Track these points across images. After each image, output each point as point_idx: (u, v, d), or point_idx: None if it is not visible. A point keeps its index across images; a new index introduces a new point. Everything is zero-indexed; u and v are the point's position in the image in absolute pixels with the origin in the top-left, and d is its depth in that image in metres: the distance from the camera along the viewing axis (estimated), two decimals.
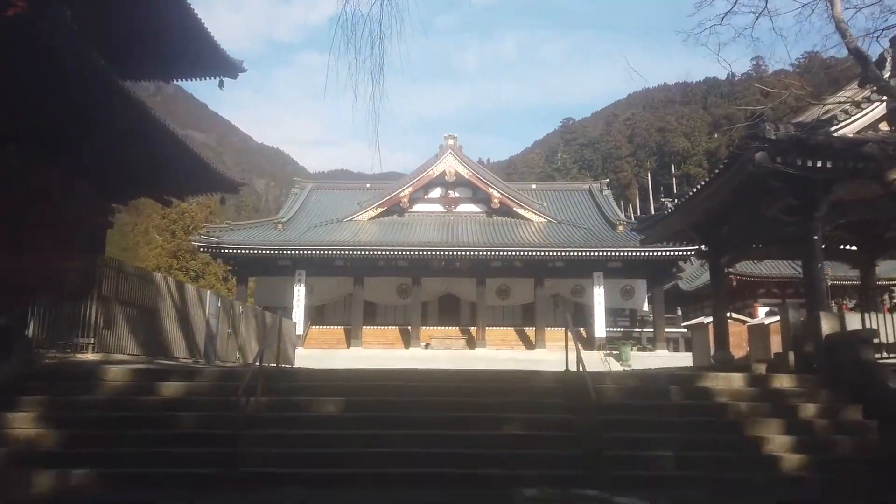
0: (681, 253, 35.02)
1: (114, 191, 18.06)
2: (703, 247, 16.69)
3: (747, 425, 7.94)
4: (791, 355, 9.73)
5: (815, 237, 11.17)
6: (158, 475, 6.84)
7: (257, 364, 8.30)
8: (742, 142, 10.78)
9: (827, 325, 9.47)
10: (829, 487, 6.88)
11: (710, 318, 24.73)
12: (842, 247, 15.45)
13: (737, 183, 11.32)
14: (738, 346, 20.19)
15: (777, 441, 7.62)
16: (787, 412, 8.23)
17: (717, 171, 12.35)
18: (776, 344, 21.88)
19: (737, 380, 9.04)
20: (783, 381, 8.99)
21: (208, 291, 15.73)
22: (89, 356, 10.63)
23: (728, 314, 18.02)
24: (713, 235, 16.02)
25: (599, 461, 7.19)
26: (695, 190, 14.69)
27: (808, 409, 8.27)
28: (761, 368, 10.03)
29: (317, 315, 40.88)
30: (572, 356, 8.62)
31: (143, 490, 6.59)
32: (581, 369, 8.26)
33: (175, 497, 6.33)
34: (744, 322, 24.05)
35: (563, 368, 9.49)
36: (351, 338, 37.72)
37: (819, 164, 10.16)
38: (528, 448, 7.55)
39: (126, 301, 12.08)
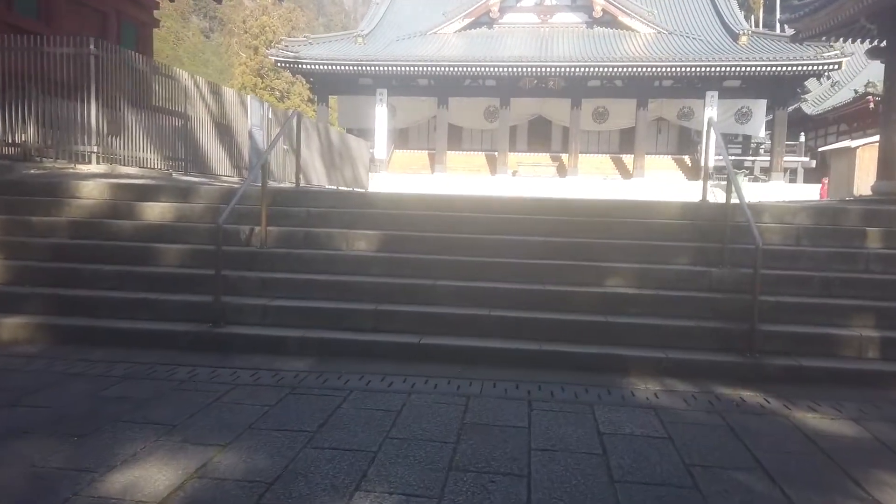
0: (829, 64, 30.00)
1: None
2: (879, 42, 12.55)
3: None
4: None
5: None
6: (114, 331, 4.88)
7: (250, 181, 5.98)
8: None
9: None
10: None
11: (858, 142, 20.56)
12: None
13: None
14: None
15: None
16: None
17: None
18: None
19: None
20: None
21: (249, 97, 13.42)
22: (92, 168, 8.71)
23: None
24: None
25: (757, 340, 4.64)
26: None
27: None
28: None
29: (400, 138, 38.92)
30: (718, 188, 5.75)
31: (88, 350, 4.67)
32: (737, 199, 5.45)
33: (120, 365, 4.36)
34: None
35: (668, 199, 6.80)
36: (435, 163, 35.80)
37: None
38: (642, 315, 5.06)
39: (141, 103, 9.91)
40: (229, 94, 12.45)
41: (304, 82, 44.56)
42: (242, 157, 12.80)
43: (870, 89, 34.63)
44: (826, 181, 31.99)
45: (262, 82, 58.92)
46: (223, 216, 5.05)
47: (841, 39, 13.74)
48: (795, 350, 4.71)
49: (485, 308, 5.09)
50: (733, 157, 35.33)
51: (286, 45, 37.26)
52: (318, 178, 16.77)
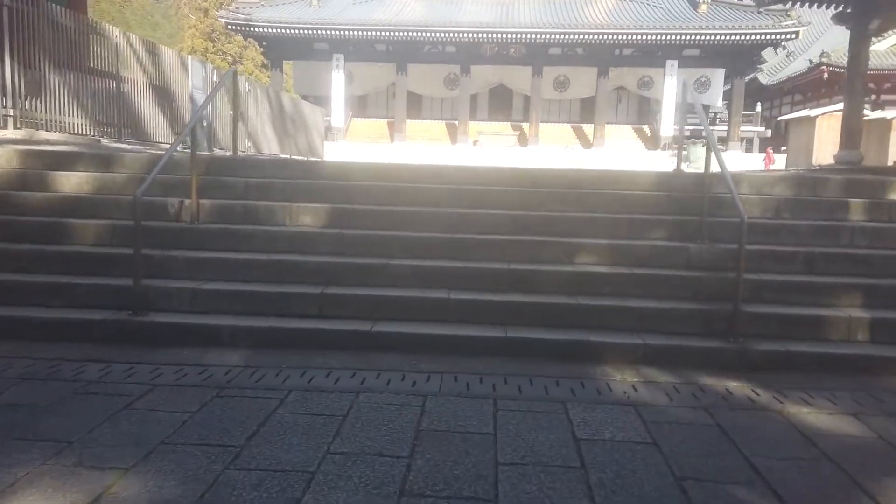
0: (787, 33, 30.14)
1: None
2: (845, 7, 12.30)
3: None
4: None
5: None
6: (18, 321, 4.23)
7: (181, 148, 5.30)
8: None
9: None
10: None
11: (818, 111, 20.57)
12: None
13: None
14: (836, 145, 16.55)
15: None
16: None
17: None
18: None
19: None
20: None
21: (189, 57, 12.49)
22: (7, 133, 7.83)
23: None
24: None
25: (740, 322, 4.25)
26: None
27: None
28: None
29: (358, 106, 37.86)
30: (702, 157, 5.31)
31: None
32: (714, 169, 5.04)
33: (21, 362, 3.73)
34: None
35: (632, 169, 6.45)
36: (394, 132, 34.97)
37: None
38: (616, 296, 4.63)
39: (68, 62, 9.00)
40: (168, 54, 11.52)
41: (257, 47, 42.87)
42: (183, 123, 11.92)
43: (824, 59, 34.98)
44: (770, 151, 32.42)
45: (214, 46, 56.58)
46: (143, 187, 4.39)
47: (807, 5, 13.39)
48: (780, 333, 4.34)
49: (444, 290, 4.59)
50: (692, 127, 35.32)
51: (237, 7, 35.68)
52: (270, 146, 15.94)
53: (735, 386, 3.78)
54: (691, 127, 35.45)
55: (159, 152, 7.08)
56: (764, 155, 31.62)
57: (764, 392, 3.69)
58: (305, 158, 16.73)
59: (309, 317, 4.37)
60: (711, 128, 31.96)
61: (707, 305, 4.50)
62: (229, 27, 35.67)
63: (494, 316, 4.39)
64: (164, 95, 11.29)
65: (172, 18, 74.57)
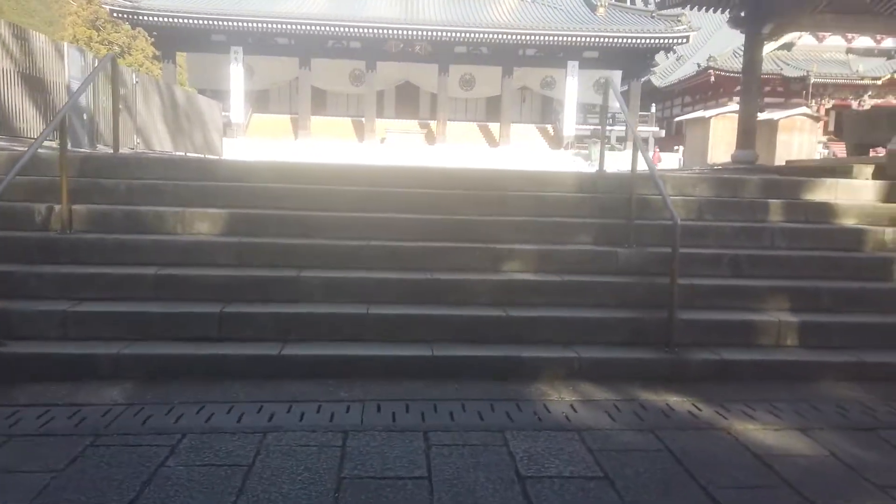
0: (679, 37, 31.48)
1: None
2: (739, 11, 12.77)
3: None
4: None
5: None
6: None
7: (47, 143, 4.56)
8: None
9: None
10: None
11: (712, 112, 21.51)
12: None
13: None
14: (729, 145, 17.41)
15: None
16: None
17: None
18: (783, 144, 19.20)
19: (864, 191, 5.82)
20: None
21: (66, 44, 11.28)
22: None
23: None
24: None
25: (675, 331, 4.06)
26: None
27: None
28: (867, 172, 6.76)
29: (260, 101, 36.39)
30: (624, 158, 5.13)
31: None
32: (639, 170, 4.85)
33: None
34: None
35: (539, 169, 6.29)
36: (299, 128, 33.79)
37: None
38: (547, 306, 4.35)
39: None
40: (41, 41, 10.33)
41: (148, 37, 40.30)
42: (63, 119, 10.75)
43: (711, 63, 37.03)
44: (658, 150, 33.94)
45: (99, 35, 52.63)
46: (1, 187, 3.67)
47: (703, 9, 13.81)
48: (712, 340, 4.20)
49: (363, 304, 4.14)
50: (593, 126, 36.36)
51: None
52: (162, 142, 14.80)
53: (676, 401, 3.57)
54: (591, 127, 36.53)
55: (25, 149, 6.18)
56: (651, 154, 33.03)
57: (706, 407, 3.50)
58: (202, 156, 15.70)
59: (207, 340, 3.80)
60: (611, 128, 33.01)
61: (640, 313, 4.30)
62: (115, 15, 33.35)
63: (419, 332, 3.99)
64: (37, 86, 10.11)
65: (52, 5, 69.08)
